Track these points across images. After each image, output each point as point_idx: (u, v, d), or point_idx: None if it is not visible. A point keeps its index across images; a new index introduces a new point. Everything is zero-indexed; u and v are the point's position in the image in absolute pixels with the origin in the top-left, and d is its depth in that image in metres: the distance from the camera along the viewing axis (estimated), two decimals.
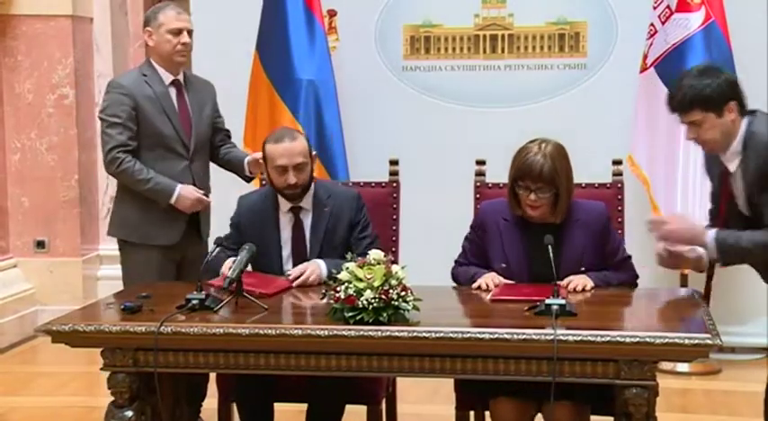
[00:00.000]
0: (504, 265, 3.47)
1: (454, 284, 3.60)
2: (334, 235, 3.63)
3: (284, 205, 3.66)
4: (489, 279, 3.42)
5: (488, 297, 3.29)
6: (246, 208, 3.72)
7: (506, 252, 3.46)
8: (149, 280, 3.87)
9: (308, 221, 3.65)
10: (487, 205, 3.58)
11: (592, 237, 3.43)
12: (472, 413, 3.53)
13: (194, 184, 4.05)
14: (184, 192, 3.99)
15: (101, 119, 4.08)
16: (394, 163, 4.07)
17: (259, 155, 3.87)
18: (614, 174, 3.87)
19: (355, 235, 3.65)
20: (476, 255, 3.57)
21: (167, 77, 4.10)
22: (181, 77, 4.14)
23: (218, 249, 3.44)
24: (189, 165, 4.08)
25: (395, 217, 3.95)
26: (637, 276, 3.55)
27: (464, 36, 5.45)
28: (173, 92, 4.11)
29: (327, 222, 3.63)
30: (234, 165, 4.22)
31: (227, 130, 4.36)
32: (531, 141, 3.41)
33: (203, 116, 4.17)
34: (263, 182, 3.99)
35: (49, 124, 6.03)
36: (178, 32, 4.06)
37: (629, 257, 3.56)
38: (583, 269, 3.42)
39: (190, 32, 4.11)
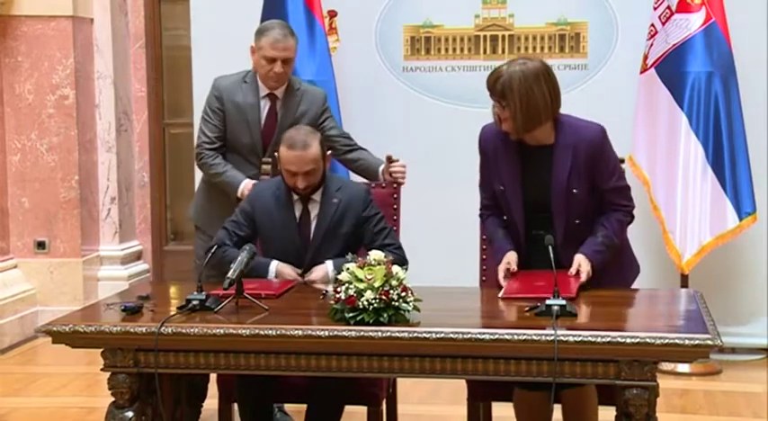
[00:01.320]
0: (501, 188, 3.47)
1: (455, 284, 3.60)
2: (339, 226, 3.64)
3: (294, 194, 3.68)
4: (503, 271, 3.40)
5: (500, 294, 3.28)
6: (260, 194, 3.74)
7: (502, 175, 3.46)
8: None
9: (314, 211, 3.67)
10: (488, 127, 3.54)
11: (582, 160, 3.38)
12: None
13: None
14: (249, 185, 4.05)
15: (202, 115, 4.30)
16: None
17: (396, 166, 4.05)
18: None
19: (370, 228, 3.66)
20: (487, 185, 3.56)
21: (264, 90, 4.20)
22: (280, 91, 4.20)
23: (214, 248, 3.46)
24: (259, 175, 4.14)
25: (395, 217, 3.96)
26: (630, 210, 3.49)
27: (464, 37, 5.45)
28: (265, 103, 4.20)
29: (334, 213, 3.64)
30: (369, 174, 4.22)
31: (344, 135, 4.38)
32: (520, 58, 3.43)
33: None
34: None
35: (49, 125, 6.03)
36: (272, 61, 4.12)
37: (626, 188, 3.50)
38: (575, 190, 3.38)
39: (286, 60, 4.14)
